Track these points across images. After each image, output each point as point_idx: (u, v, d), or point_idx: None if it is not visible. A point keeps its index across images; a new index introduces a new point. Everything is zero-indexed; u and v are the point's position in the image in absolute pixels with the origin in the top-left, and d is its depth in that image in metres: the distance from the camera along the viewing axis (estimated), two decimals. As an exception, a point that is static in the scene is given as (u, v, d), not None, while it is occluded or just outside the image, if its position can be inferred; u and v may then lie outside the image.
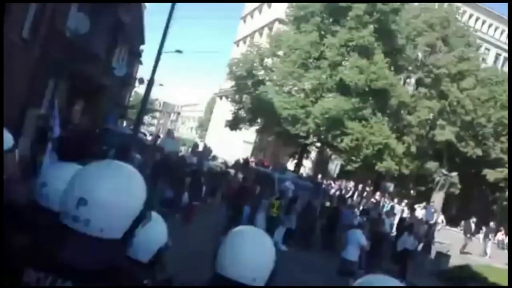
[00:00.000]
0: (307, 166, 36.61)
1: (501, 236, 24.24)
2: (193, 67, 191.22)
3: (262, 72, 30.75)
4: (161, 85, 55.58)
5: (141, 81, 31.78)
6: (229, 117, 32.94)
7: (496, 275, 12.47)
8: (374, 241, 9.85)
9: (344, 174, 28.72)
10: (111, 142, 14.52)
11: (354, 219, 13.82)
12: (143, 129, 61.57)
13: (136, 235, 1.33)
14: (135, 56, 35.59)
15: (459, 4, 33.56)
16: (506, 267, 16.60)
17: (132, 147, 11.82)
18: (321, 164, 36.52)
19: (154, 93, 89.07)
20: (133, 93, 48.41)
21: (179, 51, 30.37)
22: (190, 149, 50.11)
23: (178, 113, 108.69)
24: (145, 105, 12.27)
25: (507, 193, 27.87)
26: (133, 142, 11.49)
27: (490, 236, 21.26)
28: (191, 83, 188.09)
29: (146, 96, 12.20)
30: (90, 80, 17.79)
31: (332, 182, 25.31)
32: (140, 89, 39.49)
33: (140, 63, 40.08)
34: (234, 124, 32.31)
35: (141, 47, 37.54)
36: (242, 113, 31.86)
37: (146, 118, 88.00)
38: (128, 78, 38.05)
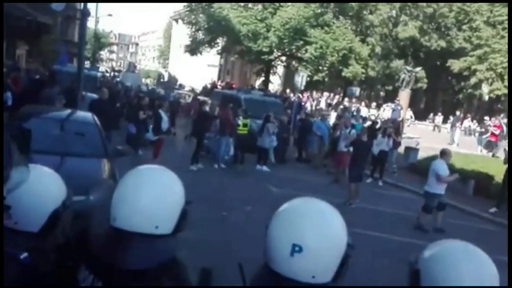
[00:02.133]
0: (275, 82, 36.12)
1: (468, 123, 25.13)
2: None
3: (214, -13, 28.71)
4: (110, 15, 51.93)
5: (85, 13, 29.30)
6: (188, 41, 31.35)
7: (461, 160, 12.96)
8: (358, 149, 9.51)
9: (312, 85, 28.43)
10: (61, 83, 13.66)
11: (325, 129, 13.82)
12: (102, 65, 58.68)
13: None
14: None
15: None
16: (472, 151, 17.41)
17: (81, 86, 11.02)
18: (289, 78, 36.05)
19: (107, 25, 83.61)
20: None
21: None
22: (155, 81, 48.61)
23: (137, 44, 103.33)
24: (82, 38, 11.23)
25: (471, 80, 28.43)
26: (79, 80, 10.65)
27: (457, 124, 21.98)
28: (144, 8, 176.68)
29: (83, 28, 11.09)
30: (26, 20, 16.21)
31: (300, 94, 25.06)
32: (90, 23, 36.77)
33: (82, -7, 36.72)
34: (193, 48, 30.86)
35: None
36: (200, 35, 30.31)
37: (104, 54, 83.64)
38: (73, 11, 35.03)
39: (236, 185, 9.69)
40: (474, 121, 24.84)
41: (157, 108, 11.34)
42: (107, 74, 29.28)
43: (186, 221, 1.38)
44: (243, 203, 8.13)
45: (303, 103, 22.27)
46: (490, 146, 17.80)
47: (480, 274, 1.19)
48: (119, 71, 39.03)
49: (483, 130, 20.20)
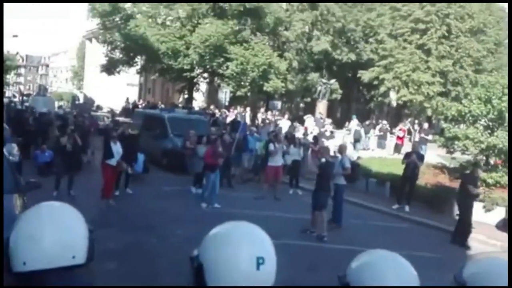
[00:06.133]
0: (199, 99, 36.01)
1: (384, 127, 26.59)
2: (49, 8, 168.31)
3: (128, 4, 28.03)
4: (15, 36, 48.23)
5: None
6: (103, 61, 30.11)
7: (377, 164, 13.96)
8: (325, 171, 8.51)
9: (235, 100, 28.82)
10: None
11: (254, 144, 13.92)
12: (8, 90, 54.00)
13: None
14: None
15: None
16: (384, 155, 18.77)
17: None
18: (212, 95, 36.18)
19: (12, 46, 77.62)
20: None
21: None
22: (69, 103, 45.87)
23: (47, 65, 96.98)
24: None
25: (380, 89, 30.76)
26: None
27: (370, 131, 23.52)
28: (52, 28, 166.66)
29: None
30: None
31: (226, 110, 25.25)
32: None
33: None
34: (110, 68, 29.72)
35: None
36: (116, 54, 29.30)
37: (10, 77, 77.34)
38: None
39: (167, 208, 9.38)
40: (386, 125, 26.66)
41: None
42: (15, 99, 26.98)
43: (95, 249, 1.37)
44: (173, 226, 7.92)
45: (229, 119, 22.22)
46: (397, 148, 19.26)
47: (403, 280, 1.32)
48: (28, 95, 36.18)
49: (381, 133, 21.82)
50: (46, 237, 1.29)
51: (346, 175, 8.91)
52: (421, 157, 10.98)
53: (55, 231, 1.31)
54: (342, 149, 9.49)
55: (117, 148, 9.33)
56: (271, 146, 11.55)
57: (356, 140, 20.79)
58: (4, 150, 6.69)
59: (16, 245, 1.29)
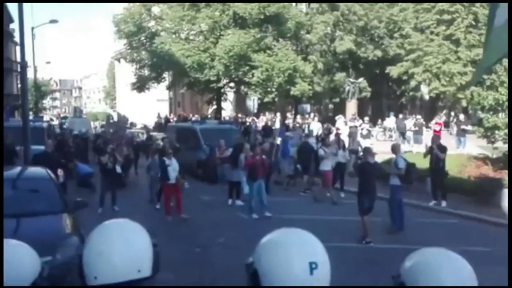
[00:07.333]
0: (227, 108, 36.41)
1: (419, 122, 25.84)
2: (77, 33, 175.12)
3: (152, 23, 28.81)
4: (48, 62, 50.74)
5: (24, 66, 28.25)
6: (133, 79, 31.03)
7: (416, 159, 13.59)
8: (367, 173, 7.90)
9: (263, 107, 28.99)
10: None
11: (291, 148, 13.88)
12: (46, 114, 56.50)
13: None
14: (7, 38, 31.45)
15: None
16: (419, 150, 18.29)
17: (28, 140, 10.53)
18: (240, 103, 36.49)
19: (46, 73, 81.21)
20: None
21: (54, 21, 27.18)
22: (104, 122, 47.41)
23: (80, 88, 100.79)
24: (25, 92, 10.98)
25: (411, 83, 30.07)
26: (26, 134, 10.21)
27: (405, 126, 22.96)
28: (83, 52, 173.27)
29: (24, 81, 10.83)
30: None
31: (255, 118, 25.41)
32: (29, 72, 35.32)
33: (16, 43, 35.84)
34: (140, 85, 30.58)
35: (11, 25, 33.25)
36: (145, 71, 30.13)
37: (46, 102, 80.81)
38: (9, 64, 33.80)
39: (209, 217, 9.47)
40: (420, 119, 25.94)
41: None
42: (54, 123, 28.17)
43: (160, 261, 1.44)
44: (216, 234, 8.01)
45: (260, 125, 22.31)
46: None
47: (460, 278, 1.29)
48: (65, 117, 37.74)
49: (417, 128, 21.16)
50: (115, 252, 1.37)
51: (400, 176, 8.45)
52: (443, 149, 10.59)
53: (123, 247, 1.38)
54: (395, 148, 9.04)
55: (173, 165, 9.53)
56: (321, 151, 11.51)
57: (402, 132, 20.47)
58: (51, 173, 6.98)
59: (88, 261, 1.39)
